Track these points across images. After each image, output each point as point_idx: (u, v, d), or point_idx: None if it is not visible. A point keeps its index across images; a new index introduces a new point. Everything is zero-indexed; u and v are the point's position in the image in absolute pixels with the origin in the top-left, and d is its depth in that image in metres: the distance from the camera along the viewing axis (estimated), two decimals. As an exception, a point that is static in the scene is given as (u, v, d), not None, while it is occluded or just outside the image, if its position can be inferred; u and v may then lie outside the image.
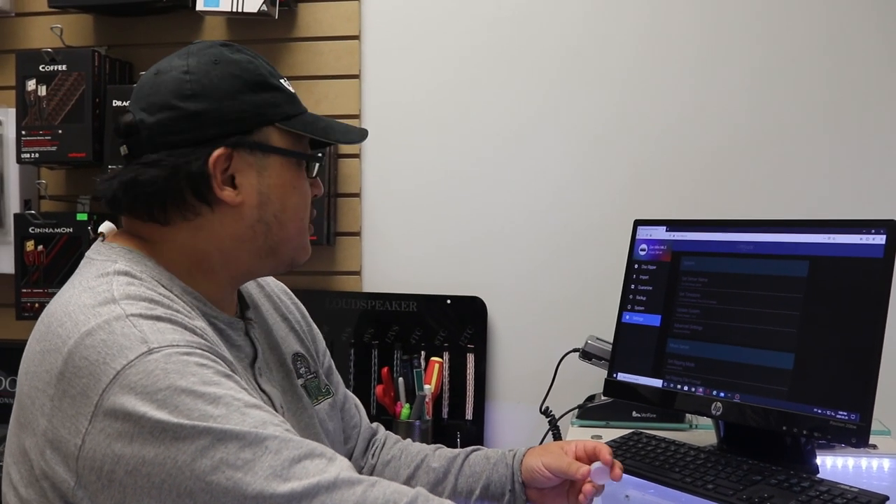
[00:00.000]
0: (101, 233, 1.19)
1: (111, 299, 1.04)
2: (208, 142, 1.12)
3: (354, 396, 1.51)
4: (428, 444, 1.48)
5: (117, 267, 1.10)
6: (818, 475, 1.43)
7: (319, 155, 1.23)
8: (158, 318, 1.03)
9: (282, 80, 1.20)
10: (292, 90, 1.21)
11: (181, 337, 1.02)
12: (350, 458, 1.42)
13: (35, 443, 1.01)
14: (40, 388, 1.01)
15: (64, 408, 0.99)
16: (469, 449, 1.42)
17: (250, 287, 1.34)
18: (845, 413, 1.38)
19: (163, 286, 1.11)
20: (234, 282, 1.22)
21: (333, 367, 1.47)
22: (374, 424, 1.52)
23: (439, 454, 1.42)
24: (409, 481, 1.39)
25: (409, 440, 1.49)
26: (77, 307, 1.04)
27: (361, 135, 1.29)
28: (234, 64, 1.15)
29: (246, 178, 1.14)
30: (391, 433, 1.52)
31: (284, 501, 0.95)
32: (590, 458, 1.30)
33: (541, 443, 1.94)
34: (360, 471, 1.40)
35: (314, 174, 1.22)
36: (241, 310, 1.27)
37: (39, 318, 1.08)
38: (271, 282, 1.41)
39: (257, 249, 1.17)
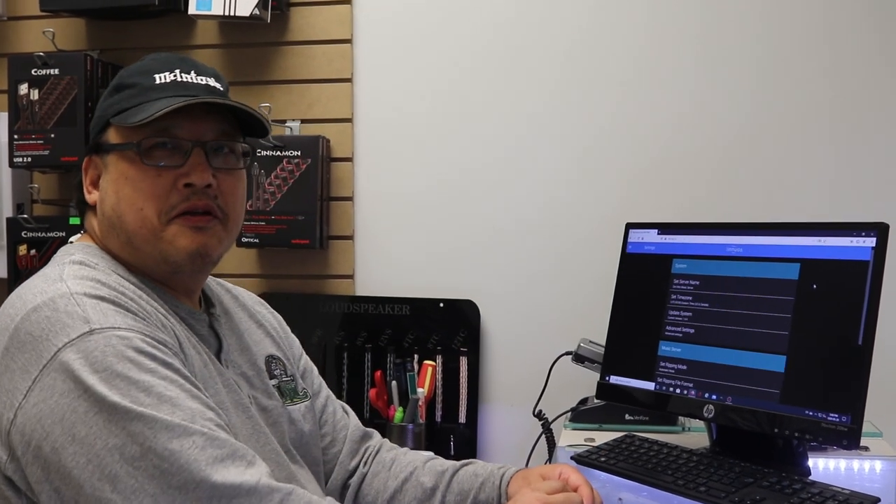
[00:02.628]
0: (71, 241, 1.27)
1: (59, 279, 1.09)
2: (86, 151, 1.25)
3: (341, 401, 1.51)
4: (421, 447, 1.48)
5: (73, 257, 1.16)
6: (810, 477, 1.44)
7: (135, 143, 1.16)
8: (102, 299, 1.07)
9: (158, 76, 1.19)
10: (163, 80, 1.18)
11: (123, 320, 1.05)
12: (336, 462, 1.43)
13: None
14: None
15: (3, 383, 1.02)
16: (459, 464, 1.40)
17: (222, 295, 1.38)
18: (836, 415, 1.38)
19: (118, 275, 1.15)
20: (163, 276, 1.21)
21: (314, 371, 1.48)
22: (370, 430, 1.51)
23: (430, 467, 1.40)
24: (396, 494, 1.39)
25: (405, 448, 1.49)
26: (27, 289, 1.09)
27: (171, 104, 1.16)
28: (119, 74, 1.23)
29: (102, 178, 1.21)
30: (387, 441, 1.51)
31: (205, 496, 0.97)
32: (573, 487, 1.28)
33: (533, 447, 1.95)
34: (349, 476, 1.43)
35: (157, 162, 1.16)
36: (206, 307, 1.30)
37: None
38: (245, 294, 1.46)
39: (121, 245, 1.20)
